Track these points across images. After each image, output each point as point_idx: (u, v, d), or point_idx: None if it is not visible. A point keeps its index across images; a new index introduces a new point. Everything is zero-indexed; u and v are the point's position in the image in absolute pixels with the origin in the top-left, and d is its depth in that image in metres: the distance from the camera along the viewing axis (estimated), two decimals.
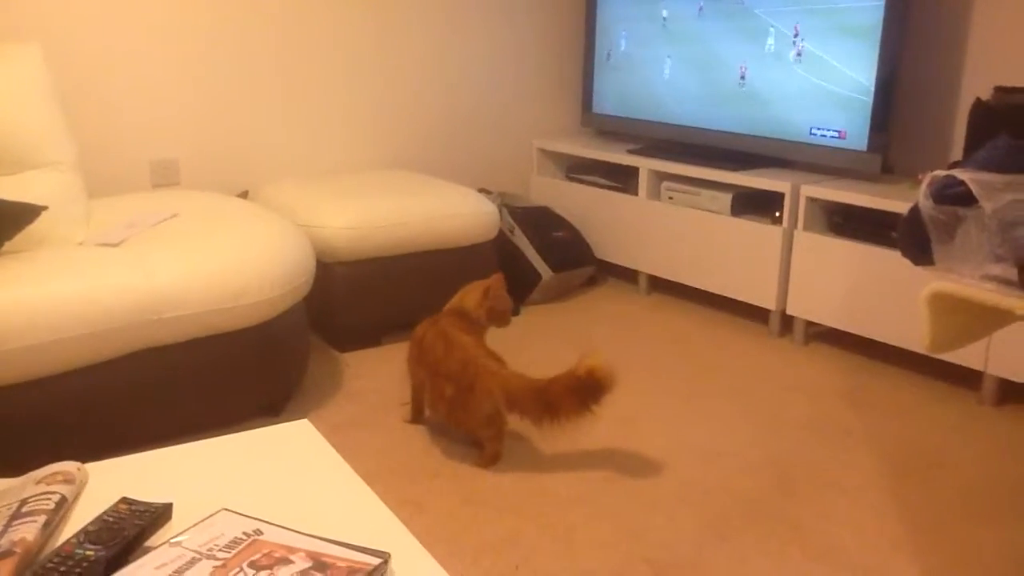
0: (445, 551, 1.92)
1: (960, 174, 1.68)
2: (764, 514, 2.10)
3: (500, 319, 2.42)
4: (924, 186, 1.73)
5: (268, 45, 3.37)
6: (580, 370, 2.09)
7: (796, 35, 3.16)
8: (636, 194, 3.62)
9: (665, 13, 3.63)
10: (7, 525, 1.04)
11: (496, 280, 2.42)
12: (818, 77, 3.09)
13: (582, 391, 2.11)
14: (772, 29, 3.21)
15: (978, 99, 2.36)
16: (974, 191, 1.65)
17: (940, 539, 2.01)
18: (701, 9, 3.45)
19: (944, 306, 1.68)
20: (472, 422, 2.26)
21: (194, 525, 1.07)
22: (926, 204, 1.72)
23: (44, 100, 2.54)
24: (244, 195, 3.27)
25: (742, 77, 3.38)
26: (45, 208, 2.30)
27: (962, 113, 2.96)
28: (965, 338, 1.87)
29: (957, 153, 3.01)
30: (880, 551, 1.96)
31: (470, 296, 2.41)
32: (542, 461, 2.32)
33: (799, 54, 3.15)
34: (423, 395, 2.43)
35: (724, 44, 3.39)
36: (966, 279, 1.67)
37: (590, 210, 3.82)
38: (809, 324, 3.15)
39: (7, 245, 2.24)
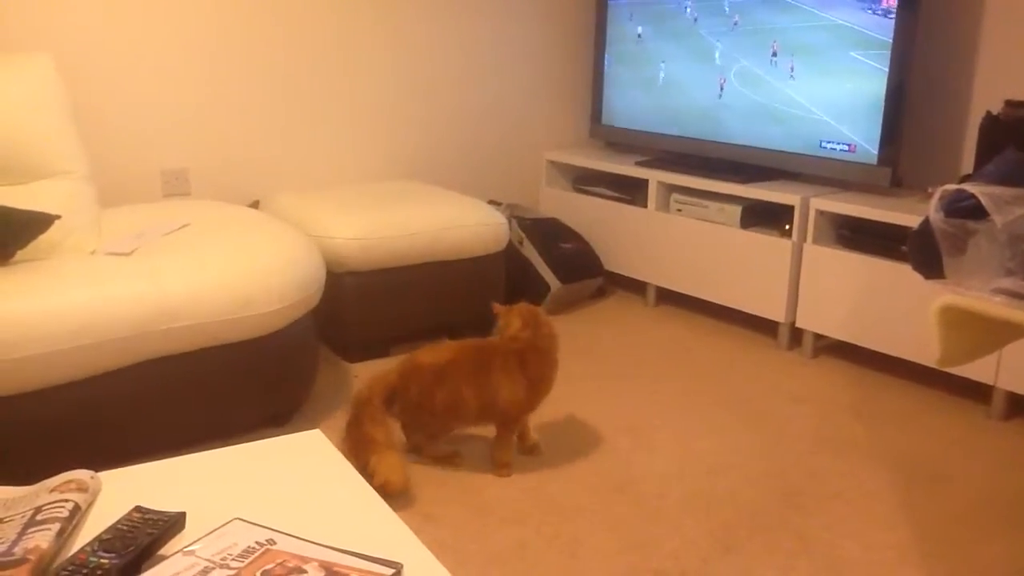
0: (453, 561, 1.92)
1: (971, 188, 1.68)
2: (770, 525, 2.09)
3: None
4: (935, 199, 1.73)
5: (279, 56, 3.39)
6: (377, 478, 2.07)
7: (774, 53, 3.19)
8: (645, 206, 3.63)
9: (640, 30, 3.66)
10: (21, 533, 1.05)
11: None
12: (828, 91, 3.10)
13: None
14: (774, 43, 3.22)
15: (988, 112, 2.37)
16: (985, 204, 1.65)
17: (947, 551, 2.00)
18: (696, 20, 3.47)
19: (955, 320, 1.68)
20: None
21: (207, 534, 1.07)
22: (937, 217, 1.72)
23: (56, 110, 2.56)
24: (255, 205, 3.28)
25: (721, 88, 3.43)
26: (58, 217, 2.32)
27: (972, 126, 2.96)
28: (976, 352, 1.86)
29: (967, 166, 3.01)
30: (886, 563, 1.95)
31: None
32: (549, 472, 2.32)
33: (792, 68, 3.17)
34: None
35: (715, 56, 3.41)
36: (976, 292, 1.67)
37: (599, 222, 3.83)
38: (818, 337, 3.14)
39: (19, 254, 2.26)
